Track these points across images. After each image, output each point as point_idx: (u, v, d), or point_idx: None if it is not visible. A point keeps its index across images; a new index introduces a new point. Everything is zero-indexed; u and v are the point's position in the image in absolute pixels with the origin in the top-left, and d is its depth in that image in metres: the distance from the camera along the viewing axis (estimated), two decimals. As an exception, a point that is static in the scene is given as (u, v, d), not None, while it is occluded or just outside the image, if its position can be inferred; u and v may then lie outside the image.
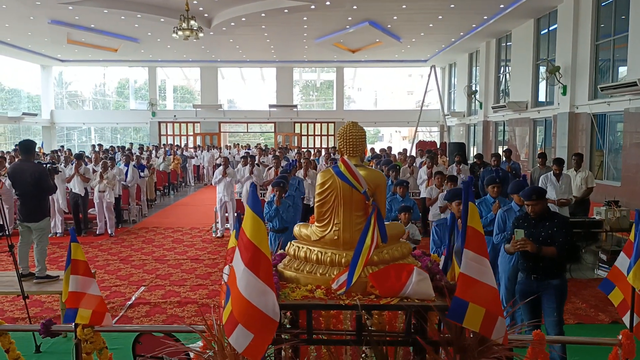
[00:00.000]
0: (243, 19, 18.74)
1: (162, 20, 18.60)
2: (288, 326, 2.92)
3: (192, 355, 2.81)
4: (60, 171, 11.07)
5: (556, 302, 4.43)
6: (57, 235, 11.61)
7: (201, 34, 16.46)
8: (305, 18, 19.02)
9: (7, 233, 5.94)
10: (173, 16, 17.51)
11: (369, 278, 2.33)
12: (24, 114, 27.09)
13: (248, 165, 12.11)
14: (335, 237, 2.49)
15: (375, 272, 2.36)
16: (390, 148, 19.36)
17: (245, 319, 2.13)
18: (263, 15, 18.15)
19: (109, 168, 11.95)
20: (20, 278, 5.79)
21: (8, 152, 18.32)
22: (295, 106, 30.40)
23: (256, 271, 2.13)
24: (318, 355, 2.69)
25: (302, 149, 23.34)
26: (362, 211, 2.48)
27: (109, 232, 11.72)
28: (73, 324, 3.11)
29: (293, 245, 2.63)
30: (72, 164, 11.93)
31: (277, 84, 30.38)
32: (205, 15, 19.09)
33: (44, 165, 6.89)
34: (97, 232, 11.78)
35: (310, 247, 2.55)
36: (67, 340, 5.39)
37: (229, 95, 34.30)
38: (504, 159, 12.63)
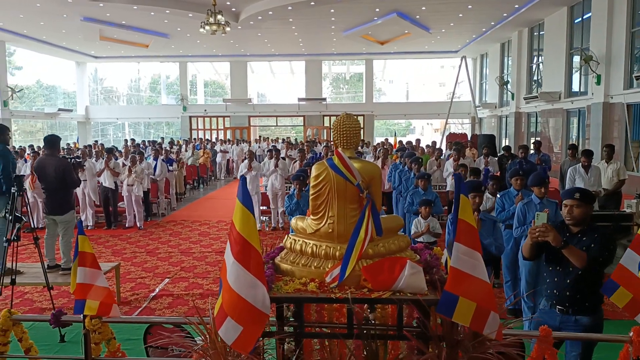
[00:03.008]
0: (270, 13, 18.78)
1: (190, 15, 18.81)
2: (291, 319, 2.94)
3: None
4: (85, 165, 11.35)
5: (582, 349, 3.39)
6: (89, 228, 11.89)
7: (228, 29, 16.60)
8: (332, 10, 18.95)
9: (32, 226, 6.12)
10: (201, 11, 17.71)
11: (362, 271, 2.31)
12: (59, 109, 27.87)
13: (273, 158, 12.16)
14: (330, 230, 2.47)
15: (368, 265, 2.33)
16: (418, 141, 19.12)
17: (234, 311, 2.14)
18: (290, 8, 18.15)
19: (138, 162, 12.17)
20: (45, 270, 5.96)
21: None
22: (324, 99, 30.37)
23: (245, 264, 2.13)
24: (321, 347, 2.69)
25: (331, 142, 23.27)
26: (357, 204, 2.46)
27: (138, 225, 11.95)
28: (81, 315, 3.17)
29: (290, 238, 2.63)
30: (102, 159, 12.21)
31: (307, 77, 30.41)
32: (233, 9, 19.23)
33: (69, 160, 7.07)
34: (127, 225, 12.03)
35: (305, 240, 2.54)
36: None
37: (258, 89, 34.52)
38: (533, 150, 12.34)
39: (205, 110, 30.95)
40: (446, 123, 26.83)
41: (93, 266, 3.17)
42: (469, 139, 22.66)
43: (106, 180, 11.80)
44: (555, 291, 3.55)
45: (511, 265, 6.18)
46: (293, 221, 2.67)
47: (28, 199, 6.19)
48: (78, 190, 11.83)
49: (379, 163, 11.84)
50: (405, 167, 9.76)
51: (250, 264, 2.14)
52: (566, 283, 3.47)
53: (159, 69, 33.54)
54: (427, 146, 17.49)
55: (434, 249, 2.84)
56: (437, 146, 17.28)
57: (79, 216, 12.33)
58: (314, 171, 2.51)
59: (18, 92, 24.35)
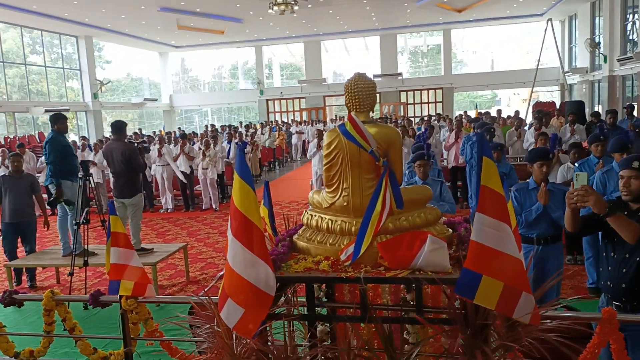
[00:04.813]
0: (339, -12, 18.45)
1: (260, -3, 18.89)
2: (324, 299, 2.76)
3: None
4: (151, 150, 11.94)
5: None
6: (168, 210, 12.35)
7: (296, 7, 16.49)
8: (403, -20, 18.28)
9: (100, 209, 6.35)
10: (270, -7, 17.71)
11: (378, 248, 2.07)
12: (145, 99, 29.22)
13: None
14: (345, 204, 2.24)
15: (385, 241, 2.09)
16: (499, 111, 18.10)
17: (235, 292, 1.98)
18: (359, -19, 17.72)
19: (212, 146, 12.42)
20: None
21: (135, 133, 19.82)
22: (400, 74, 29.60)
23: (244, 241, 1.97)
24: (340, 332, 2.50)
25: (408, 118, 22.68)
26: (373, 173, 2.20)
27: (214, 207, 12.23)
28: (118, 295, 3.17)
29: (307, 213, 2.43)
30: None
31: (381, 53, 29.75)
32: (302, -12, 19.05)
33: (135, 145, 7.27)
34: (203, 207, 12.36)
35: (322, 215, 2.33)
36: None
37: (333, 69, 34.24)
38: (626, 116, 11.26)
39: (281, 92, 31.21)
40: (531, 92, 25.22)
41: (126, 246, 3.15)
42: (557, 107, 21.18)
43: (182, 165, 12.15)
44: (609, 283, 2.97)
45: (592, 240, 5.62)
46: (310, 194, 2.47)
47: (94, 183, 6.43)
48: (157, 175, 12.31)
49: (452, 136, 11.32)
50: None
51: (250, 241, 1.97)
52: (622, 273, 2.87)
53: (238, 55, 34.18)
54: (509, 117, 16.52)
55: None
56: (522, 117, 16.27)
57: (159, 199, 12.86)
58: (325, 139, 2.29)
59: (106, 84, 25.77)
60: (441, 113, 24.11)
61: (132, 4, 19.37)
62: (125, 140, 7.15)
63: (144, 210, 12.28)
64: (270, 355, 2.01)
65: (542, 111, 13.71)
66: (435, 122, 19.10)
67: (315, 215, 2.37)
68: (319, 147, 11.37)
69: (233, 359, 2.00)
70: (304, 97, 30.42)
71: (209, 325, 2.08)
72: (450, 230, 2.35)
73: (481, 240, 1.79)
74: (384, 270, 2.05)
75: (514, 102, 43.57)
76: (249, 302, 1.97)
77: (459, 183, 11.12)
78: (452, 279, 1.88)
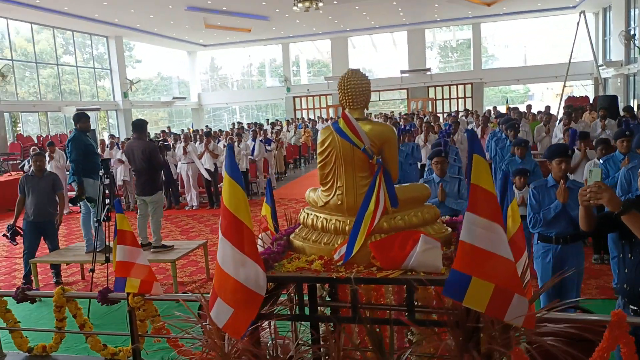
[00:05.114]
0: (365, -16, 18.32)
1: (285, -6, 18.92)
2: (328, 298, 2.72)
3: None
4: (171, 149, 12.04)
5: None
6: (193, 208, 12.49)
7: (321, 4, 16.43)
8: (429, -26, 18.04)
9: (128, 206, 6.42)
10: (295, -11, 17.71)
11: (370, 247, 2.02)
12: (174, 98, 29.62)
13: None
14: (339, 202, 2.20)
15: (378, 241, 2.04)
16: (529, 107, 17.68)
17: (224, 292, 1.97)
18: (385, -24, 17.56)
19: (235, 144, 12.51)
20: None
21: (163, 132, 20.17)
22: (429, 70, 29.24)
23: (233, 241, 1.95)
24: (360, 331, 2.46)
25: (437, 114, 22.39)
26: (367, 172, 2.15)
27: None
28: (125, 292, 3.20)
29: (303, 212, 2.40)
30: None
31: (409, 48, 29.46)
32: (327, -16, 19.00)
33: (156, 143, 7.36)
34: (227, 205, 12.44)
35: (317, 214, 2.29)
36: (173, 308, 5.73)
37: (360, 65, 34.01)
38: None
39: (307, 89, 31.20)
40: (564, 86, 24.58)
41: (133, 244, 3.18)
42: (590, 102, 20.60)
43: (206, 162, 12.26)
44: (625, 286, 2.79)
45: (618, 239, 5.43)
46: (307, 192, 2.44)
47: (115, 181, 6.52)
48: (182, 172, 12.46)
49: (478, 132, 11.12)
50: (503, 134, 9.02)
51: (239, 240, 1.95)
52: (639, 275, 2.70)
53: (265, 53, 34.30)
54: (539, 112, 16.13)
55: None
56: (553, 112, 15.86)
57: (184, 197, 13.00)
58: (319, 136, 2.25)
59: (135, 83, 26.21)
60: (469, 109, 23.73)
61: (160, 3, 19.62)
62: (146, 139, 7.23)
63: (169, 208, 12.53)
64: (259, 356, 1.98)
65: (572, 106, 13.33)
66: (463, 117, 18.83)
67: (311, 214, 2.34)
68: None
69: (224, 359, 1.98)
70: (330, 94, 30.34)
71: (200, 325, 2.07)
72: (449, 229, 2.29)
73: (471, 240, 1.73)
74: (376, 271, 2.00)
75: (547, 97, 42.53)
76: (238, 301, 1.95)
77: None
78: (442, 280, 1.82)
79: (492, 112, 19.30)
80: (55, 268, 7.20)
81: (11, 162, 16.52)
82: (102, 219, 6.16)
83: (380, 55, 33.05)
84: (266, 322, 2.21)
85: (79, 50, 25.65)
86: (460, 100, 29.34)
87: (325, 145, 2.22)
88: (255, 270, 1.97)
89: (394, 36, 31.45)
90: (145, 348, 3.37)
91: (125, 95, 25.41)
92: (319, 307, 2.55)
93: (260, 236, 2.89)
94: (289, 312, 2.22)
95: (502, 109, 22.16)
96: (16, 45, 22.42)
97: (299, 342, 2.16)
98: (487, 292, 1.71)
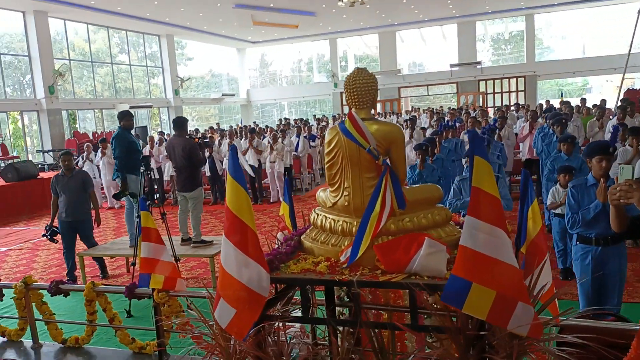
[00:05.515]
0: (411, -24, 18.03)
1: (330, -11, 18.88)
2: (346, 299, 2.69)
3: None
4: (212, 145, 12.20)
5: None
6: (237, 203, 12.68)
7: (366, -1, 16.27)
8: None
9: (158, 203, 6.60)
10: (340, -16, 17.63)
11: (374, 250, 1.98)
12: (223, 94, 30.16)
13: (408, 129, 11.73)
14: (346, 203, 2.15)
15: (382, 243, 1.99)
16: (584, 100, 16.91)
17: (227, 292, 1.97)
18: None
19: (279, 140, 12.60)
20: (172, 243, 6.41)
21: (211, 128, 20.56)
22: (479, 63, 28.51)
23: (235, 242, 1.95)
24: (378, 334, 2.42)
25: (485, 108, 21.82)
26: (374, 172, 2.10)
27: (281, 200, 12.39)
28: (151, 289, 3.27)
29: (314, 212, 2.37)
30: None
31: (459, 41, 28.83)
32: (373, -22, 18.83)
33: (197, 140, 7.50)
34: (271, 200, 12.58)
35: (326, 215, 2.26)
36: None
37: (409, 59, 33.55)
38: None
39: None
40: (622, 78, 23.41)
41: (157, 241, 3.24)
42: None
43: (250, 159, 12.42)
44: None
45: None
46: (318, 192, 2.41)
47: (154, 177, 6.68)
48: (227, 169, 12.67)
49: (527, 126, 10.76)
50: (550, 129, 8.67)
51: (241, 241, 1.95)
52: None
53: (313, 48, 34.38)
54: (595, 106, 15.41)
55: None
56: (611, 106, 15.11)
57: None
58: (326, 136, 2.22)
59: (186, 80, 26.84)
60: (521, 103, 22.97)
61: (209, 1, 19.98)
62: (186, 136, 7.37)
63: (214, 203, 12.78)
64: (262, 358, 1.98)
65: (628, 99, 12.67)
66: (514, 112, 18.27)
67: (320, 215, 2.31)
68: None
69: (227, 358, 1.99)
70: (378, 89, 30.08)
71: (206, 325, 2.09)
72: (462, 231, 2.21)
73: (471, 245, 1.66)
74: (380, 274, 1.96)
75: (606, 90, 40.66)
76: (240, 302, 1.96)
77: (534, 177, 10.55)
78: (442, 285, 1.76)
79: (545, 105, 18.61)
80: (100, 262, 7.40)
81: (68, 158, 17.24)
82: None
83: (430, 49, 32.47)
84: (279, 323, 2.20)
85: (133, 49, 26.49)
86: (512, 94, 28.47)
87: (332, 145, 2.19)
88: (258, 271, 1.96)
89: (444, 29, 30.84)
90: (171, 344, 3.43)
91: (176, 92, 26.07)
92: (337, 308, 2.53)
93: (277, 235, 2.89)
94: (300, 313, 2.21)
95: (557, 103, 21.33)
96: (75, 46, 23.40)
97: (306, 342, 2.14)
98: (489, 299, 1.64)
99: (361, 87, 2.24)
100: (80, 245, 7.37)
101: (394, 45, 29.85)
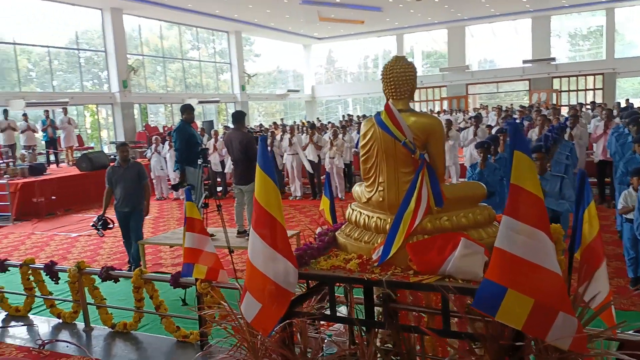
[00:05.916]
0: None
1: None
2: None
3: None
4: (282, 139, 12.39)
5: None
6: (297, 198, 12.74)
7: (434, -7, 15.88)
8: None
9: (215, 196, 6.70)
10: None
11: (407, 249, 1.86)
12: (288, 90, 30.46)
13: (472, 127, 11.35)
14: (381, 199, 2.05)
15: (416, 242, 1.87)
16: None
17: (253, 286, 1.92)
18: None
19: (339, 136, 12.54)
20: (227, 235, 6.48)
21: (274, 123, 20.79)
22: (553, 59, 27.21)
23: (264, 235, 1.89)
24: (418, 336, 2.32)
25: (558, 107, 20.79)
26: (410, 167, 1.98)
27: (340, 196, 12.35)
28: (194, 278, 3.29)
29: (350, 207, 2.28)
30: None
31: (533, 36, 27.66)
32: (442, -28, 18.36)
33: (254, 134, 7.56)
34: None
35: (360, 210, 2.16)
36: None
37: (478, 55, 32.52)
38: None
39: (421, 81, 30.42)
40: None
41: (201, 232, 3.26)
42: None
43: (310, 154, 12.43)
44: None
45: None
46: (354, 187, 2.31)
47: (212, 170, 6.78)
48: (287, 164, 12.75)
49: (601, 126, 10.14)
50: (626, 129, 8.11)
51: (270, 235, 1.89)
52: None
53: (379, 44, 34.03)
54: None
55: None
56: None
57: (289, 187, 13.30)
58: (362, 129, 2.12)
59: (252, 77, 27.31)
60: (598, 102, 21.72)
61: (275, -2, 20.24)
62: (244, 130, 7.45)
63: (274, 197, 12.89)
64: (286, 356, 1.92)
65: None
66: (589, 111, 17.33)
67: (355, 210, 2.22)
68: (446, 137, 10.92)
69: (253, 355, 1.94)
70: (444, 86, 29.40)
71: (235, 318, 2.05)
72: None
73: (509, 248, 1.52)
74: (412, 274, 1.85)
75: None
76: (266, 297, 1.90)
77: (607, 179, 9.93)
78: (469, 288, 1.62)
79: (624, 104, 17.53)
80: (136, 252, 7.24)
81: (138, 150, 17.98)
82: (200, 205, 6.44)
83: (501, 44, 31.32)
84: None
85: (203, 45, 27.23)
86: (589, 92, 26.99)
87: (367, 138, 2.09)
88: (285, 266, 1.90)
89: (516, 24, 29.66)
90: (214, 334, 3.45)
91: (243, 88, 26.58)
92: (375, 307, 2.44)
93: (317, 230, 2.83)
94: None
95: (638, 102, 20.04)
96: (149, 42, 24.35)
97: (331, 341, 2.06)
98: (526, 307, 1.49)
99: (399, 76, 2.12)
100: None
101: (463, 40, 29.03)
